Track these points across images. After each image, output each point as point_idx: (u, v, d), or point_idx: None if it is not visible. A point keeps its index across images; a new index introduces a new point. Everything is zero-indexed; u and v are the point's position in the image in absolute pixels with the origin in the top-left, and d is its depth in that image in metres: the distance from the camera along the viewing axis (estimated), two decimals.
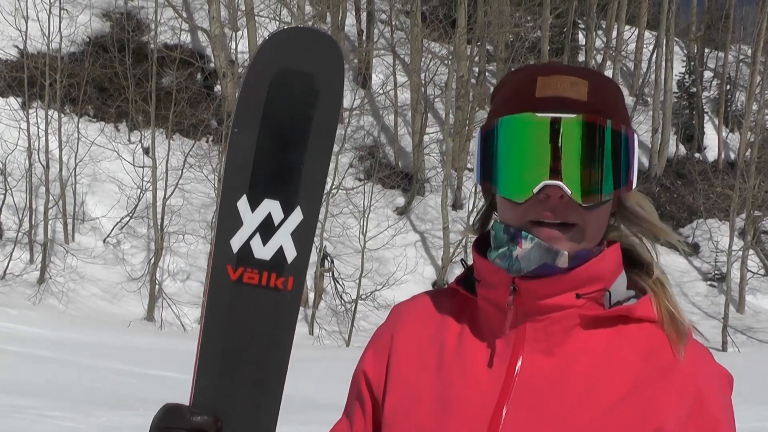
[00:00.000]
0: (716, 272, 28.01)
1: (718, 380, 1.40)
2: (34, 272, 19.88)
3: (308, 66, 1.40)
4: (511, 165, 1.33)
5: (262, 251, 1.42)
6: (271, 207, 1.42)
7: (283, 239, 1.42)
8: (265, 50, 1.40)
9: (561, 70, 1.38)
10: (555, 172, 1.30)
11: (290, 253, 1.43)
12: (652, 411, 1.33)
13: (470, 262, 1.48)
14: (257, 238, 1.42)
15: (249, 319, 1.42)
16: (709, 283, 28.06)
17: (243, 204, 1.42)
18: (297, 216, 1.43)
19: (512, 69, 1.50)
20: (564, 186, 1.30)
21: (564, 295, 1.35)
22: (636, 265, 1.46)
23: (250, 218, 1.42)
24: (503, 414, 1.35)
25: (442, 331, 1.48)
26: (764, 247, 29.41)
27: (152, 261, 20.61)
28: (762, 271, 28.56)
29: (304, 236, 1.43)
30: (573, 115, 1.31)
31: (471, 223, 1.52)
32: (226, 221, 1.43)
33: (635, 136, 1.38)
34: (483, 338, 1.43)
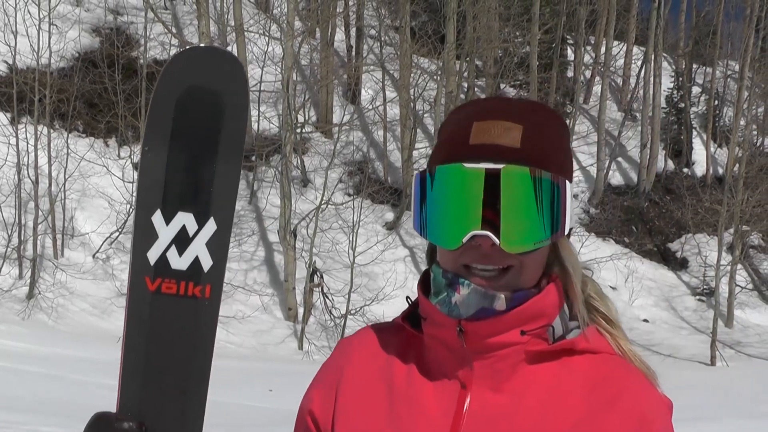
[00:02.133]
0: (705, 287, 28.10)
1: (660, 407, 1.42)
2: (23, 287, 19.82)
3: (214, 84, 1.45)
4: (442, 214, 1.35)
5: (179, 262, 1.48)
6: (185, 219, 1.47)
7: (199, 249, 1.48)
8: (172, 69, 1.45)
9: (498, 114, 1.39)
10: (485, 222, 1.32)
11: (206, 262, 1.48)
12: None
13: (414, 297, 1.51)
14: (173, 249, 1.47)
15: (169, 327, 1.47)
16: (697, 297, 28.15)
17: (157, 218, 1.47)
18: (211, 226, 1.48)
19: (459, 105, 1.51)
20: (492, 236, 1.32)
21: (509, 333, 1.38)
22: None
23: (165, 231, 1.47)
24: None
25: (390, 368, 1.49)
26: (752, 261, 29.53)
27: None
28: (750, 286, 28.66)
29: (218, 245, 1.49)
30: (502, 166, 1.32)
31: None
32: (142, 235, 1.48)
33: (567, 183, 1.38)
34: (431, 375, 1.45)
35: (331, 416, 1.51)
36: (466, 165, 1.33)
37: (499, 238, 1.32)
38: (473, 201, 1.33)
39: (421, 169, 1.45)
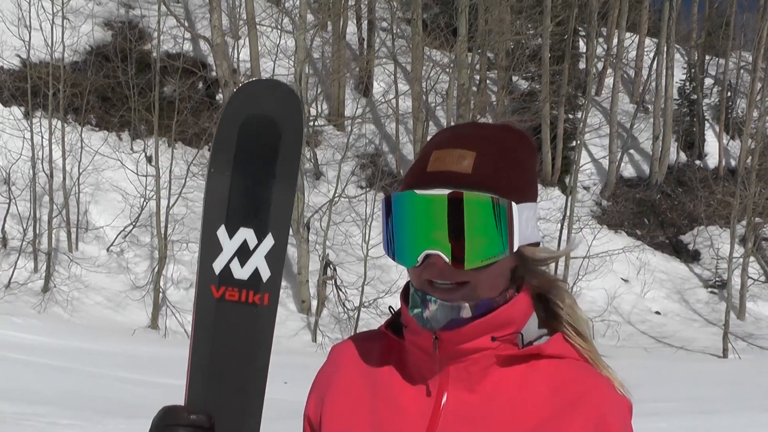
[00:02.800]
0: (717, 279, 28.08)
1: (619, 408, 1.54)
2: (38, 281, 19.97)
3: (272, 112, 1.62)
4: (401, 236, 1.50)
5: (241, 272, 1.63)
6: (246, 234, 1.63)
7: (259, 261, 1.63)
8: (236, 100, 1.62)
9: (455, 142, 1.52)
10: (436, 242, 1.47)
11: (265, 273, 1.63)
12: None
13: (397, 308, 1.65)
14: (236, 261, 1.62)
15: (231, 331, 1.62)
16: (709, 290, 28.13)
17: (222, 233, 1.62)
18: (269, 241, 1.64)
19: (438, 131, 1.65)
20: (442, 254, 1.46)
21: (480, 339, 1.52)
22: (548, 304, 1.63)
23: (229, 244, 1.62)
24: None
25: (374, 372, 1.63)
26: (765, 254, 29.49)
27: (156, 269, 20.71)
28: (762, 278, 28.63)
29: (276, 258, 1.65)
30: (447, 191, 1.46)
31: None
32: (208, 248, 1.62)
33: (513, 204, 1.50)
34: (411, 378, 1.59)
35: (320, 417, 1.67)
36: (418, 191, 1.48)
37: (446, 257, 1.46)
38: (426, 223, 1.47)
39: (385, 195, 1.57)
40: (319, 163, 25.93)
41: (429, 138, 1.73)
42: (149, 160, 23.34)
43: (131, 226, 22.07)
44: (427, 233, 1.47)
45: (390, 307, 1.72)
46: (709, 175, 30.93)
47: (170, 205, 21.34)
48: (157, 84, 22.37)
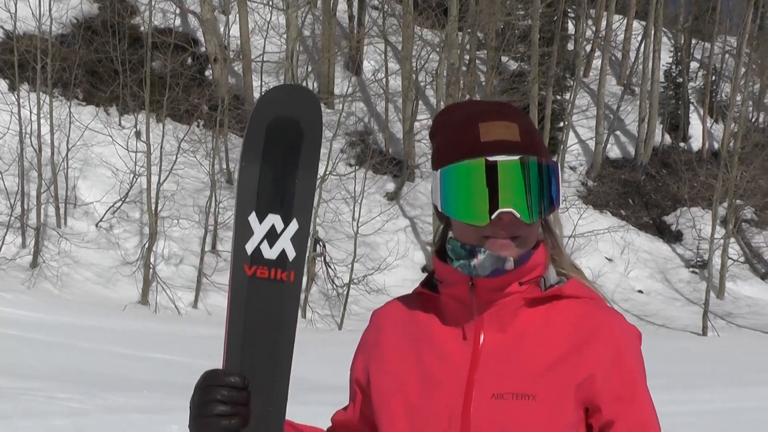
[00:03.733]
0: (698, 259, 28.40)
1: (630, 336, 1.80)
2: (27, 256, 19.94)
3: (296, 114, 1.84)
4: (471, 198, 1.72)
5: (270, 253, 1.82)
6: (274, 220, 1.83)
7: (285, 244, 1.83)
8: (264, 101, 1.85)
9: (495, 116, 1.77)
10: (506, 201, 1.70)
11: (291, 254, 1.83)
12: (584, 363, 1.73)
13: (431, 269, 1.89)
14: (265, 243, 1.82)
15: (262, 305, 1.83)
16: (691, 269, 28.46)
17: (253, 218, 1.82)
18: (294, 225, 1.84)
19: (446, 107, 1.91)
20: (515, 211, 1.70)
21: (510, 285, 1.77)
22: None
23: (259, 228, 1.82)
24: (476, 379, 1.75)
25: (415, 327, 1.87)
26: (745, 235, 29.85)
27: (146, 245, 20.79)
28: (742, 259, 28.98)
29: (300, 240, 1.84)
30: (516, 157, 1.71)
31: (433, 241, 1.95)
32: (241, 231, 1.83)
33: (558, 165, 1.79)
34: (449, 327, 1.82)
35: (368, 374, 1.91)
36: (489, 158, 1.71)
37: (519, 213, 1.70)
38: (495, 186, 1.70)
39: (441, 167, 1.78)
40: None
41: (435, 116, 1.91)
42: (138, 135, 23.28)
43: (121, 202, 22.05)
44: (499, 194, 1.70)
45: (423, 268, 1.96)
46: (692, 157, 31.17)
47: (160, 181, 21.38)
48: (148, 59, 22.33)
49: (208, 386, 1.74)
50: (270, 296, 1.82)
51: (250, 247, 1.82)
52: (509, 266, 1.73)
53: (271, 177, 1.83)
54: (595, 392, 1.73)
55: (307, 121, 1.84)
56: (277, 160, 1.83)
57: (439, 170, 1.78)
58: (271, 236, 1.82)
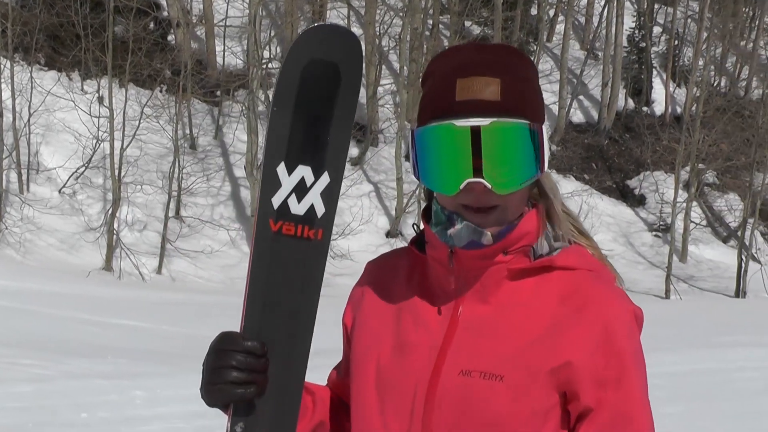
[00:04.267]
0: (661, 223, 28.64)
1: (625, 316, 1.63)
2: None
3: (333, 56, 1.68)
4: (439, 165, 1.59)
5: (297, 208, 1.70)
6: (304, 172, 1.70)
7: (314, 198, 1.71)
8: (299, 43, 1.70)
9: (478, 69, 1.60)
10: (477, 170, 1.56)
11: (320, 210, 1.71)
12: (562, 346, 1.59)
13: (422, 226, 1.76)
14: (293, 197, 1.70)
15: (287, 264, 1.71)
16: (654, 233, 28.70)
17: (281, 169, 1.70)
18: (325, 179, 1.71)
19: (441, 51, 1.75)
20: (485, 181, 1.56)
21: (492, 256, 1.65)
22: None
23: (287, 181, 1.70)
24: (448, 352, 1.64)
25: (400, 287, 1.77)
26: (707, 199, 30.13)
27: (109, 211, 20.65)
28: (704, 223, 29.29)
29: (330, 196, 1.72)
30: (488, 120, 1.55)
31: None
32: (268, 183, 1.70)
33: (542, 127, 1.62)
34: (432, 291, 1.71)
35: (352, 332, 1.82)
36: (456, 123, 1.56)
37: (489, 183, 1.56)
38: (466, 153, 1.55)
39: (414, 127, 1.64)
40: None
41: (430, 60, 1.73)
42: (101, 101, 23.06)
43: (84, 168, 21.90)
44: (468, 162, 1.55)
45: (414, 224, 1.84)
46: (655, 121, 31.33)
47: (124, 146, 21.21)
48: (111, 24, 22.06)
49: (223, 350, 1.63)
50: (295, 255, 1.70)
51: (276, 201, 1.69)
52: (487, 240, 1.62)
53: (303, 125, 1.69)
54: (574, 376, 1.59)
55: (345, 65, 1.69)
56: (311, 107, 1.69)
57: (412, 131, 1.65)
58: (300, 190, 1.70)
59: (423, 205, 1.80)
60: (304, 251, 1.71)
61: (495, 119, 1.56)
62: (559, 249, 1.68)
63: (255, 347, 1.64)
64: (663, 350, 12.88)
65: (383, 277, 1.82)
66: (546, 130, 1.63)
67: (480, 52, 1.65)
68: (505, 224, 1.63)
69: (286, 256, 1.70)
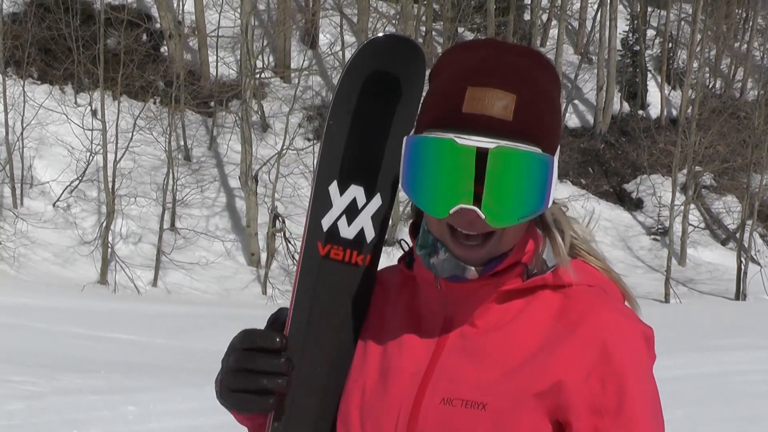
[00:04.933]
0: (659, 226, 28.61)
1: (629, 335, 1.45)
2: None
3: (397, 71, 1.57)
4: (431, 183, 1.40)
5: (347, 231, 1.60)
6: (356, 192, 1.59)
7: (365, 221, 1.60)
8: (363, 53, 1.57)
9: (492, 80, 1.41)
10: (473, 196, 1.38)
11: (369, 234, 1.61)
12: (551, 367, 1.43)
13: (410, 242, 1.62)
14: (343, 219, 1.59)
15: (332, 289, 1.60)
16: (652, 237, 28.67)
17: (333, 188, 1.59)
18: (377, 201, 1.60)
19: (457, 44, 1.55)
20: (479, 211, 1.38)
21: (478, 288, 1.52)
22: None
23: (339, 201, 1.59)
24: (430, 380, 1.51)
25: (389, 305, 1.64)
26: (704, 201, 30.10)
27: (104, 224, 20.57)
28: (702, 225, 29.24)
29: (381, 220, 1.61)
30: (493, 144, 1.37)
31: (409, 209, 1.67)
32: (319, 203, 1.59)
33: (556, 157, 1.45)
34: (420, 312, 1.58)
35: None
36: (458, 141, 1.37)
37: (484, 214, 1.38)
38: (463, 175, 1.38)
39: (412, 133, 1.48)
40: (266, 115, 25.81)
41: (441, 54, 1.54)
42: (94, 113, 22.99)
43: (78, 181, 21.82)
44: (464, 186, 1.38)
45: (401, 240, 1.66)
46: (651, 124, 31.31)
47: (117, 159, 21.14)
48: (101, 36, 22.01)
49: (249, 351, 1.51)
50: (341, 280, 1.59)
51: (326, 223, 1.58)
52: (471, 276, 1.47)
53: (359, 141, 1.57)
54: (565, 402, 1.41)
55: (408, 79, 1.56)
56: (369, 123, 1.56)
57: (405, 136, 1.46)
58: (351, 211, 1.58)
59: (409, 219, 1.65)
60: (352, 277, 1.60)
61: (503, 142, 1.37)
62: (554, 266, 1.51)
63: (281, 344, 1.53)
64: (662, 354, 12.69)
65: (375, 295, 1.68)
66: (556, 163, 1.44)
67: (498, 55, 1.45)
68: (496, 255, 1.47)
69: (333, 281, 1.60)
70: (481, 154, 1.37)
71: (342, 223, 1.59)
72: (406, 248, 1.63)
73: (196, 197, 22.79)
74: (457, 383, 1.48)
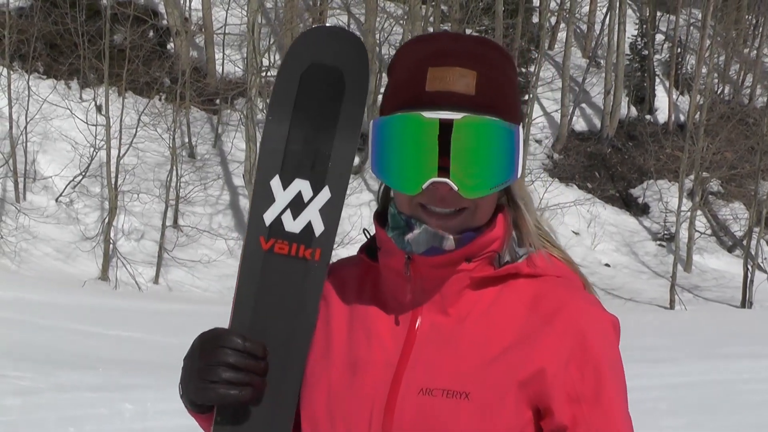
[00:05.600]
0: (665, 232, 28.49)
1: (601, 324, 1.49)
2: None
3: (337, 62, 1.55)
4: (401, 161, 1.43)
5: (292, 225, 1.56)
6: (301, 186, 1.56)
7: (312, 215, 1.56)
8: (298, 46, 1.56)
9: (452, 59, 1.45)
10: (443, 169, 1.40)
11: (318, 228, 1.56)
12: (532, 356, 1.45)
13: (373, 232, 1.60)
14: (288, 213, 1.56)
15: (278, 285, 1.56)
16: (658, 243, 28.55)
17: (276, 183, 1.56)
18: (325, 194, 1.57)
19: (413, 37, 1.58)
20: (451, 183, 1.41)
21: (453, 264, 1.50)
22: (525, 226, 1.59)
23: (282, 195, 1.56)
24: (405, 369, 1.49)
25: (349, 298, 1.61)
26: (711, 207, 29.98)
27: (106, 220, 20.50)
28: (709, 232, 29.12)
29: (331, 213, 1.58)
30: (460, 116, 1.40)
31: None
32: (260, 197, 1.57)
33: (520, 128, 1.47)
34: (386, 302, 1.56)
35: None
36: (425, 114, 1.41)
37: (456, 185, 1.41)
38: (432, 149, 1.40)
39: (378, 116, 1.51)
40: None
41: (389, 66, 1.55)
42: (99, 109, 22.97)
43: (81, 176, 21.78)
44: (434, 159, 1.41)
45: (365, 230, 1.67)
46: (658, 129, 31.22)
47: (121, 155, 21.08)
48: (107, 32, 21.97)
49: (219, 347, 1.46)
50: (288, 276, 1.56)
51: (269, 217, 1.56)
52: (449, 245, 1.46)
53: (302, 135, 1.56)
54: (546, 390, 1.44)
55: (350, 71, 1.55)
56: (312, 116, 1.55)
57: (372, 120, 1.49)
58: (296, 205, 1.56)
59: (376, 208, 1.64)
60: (299, 272, 1.56)
61: (468, 114, 1.41)
62: (524, 255, 1.53)
63: (255, 348, 1.47)
64: (666, 361, 12.69)
65: (333, 291, 1.64)
66: (521, 134, 1.49)
67: (456, 42, 1.50)
68: (470, 229, 1.48)
69: (278, 278, 1.55)
70: (448, 128, 1.40)
71: (287, 217, 1.56)
72: (368, 237, 1.63)
73: (200, 195, 22.73)
74: (434, 372, 1.47)
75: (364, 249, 1.63)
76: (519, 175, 1.47)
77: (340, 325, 1.59)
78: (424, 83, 1.44)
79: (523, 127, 1.45)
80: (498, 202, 1.53)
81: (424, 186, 1.41)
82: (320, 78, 1.55)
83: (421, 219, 1.47)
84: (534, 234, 1.55)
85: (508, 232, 1.54)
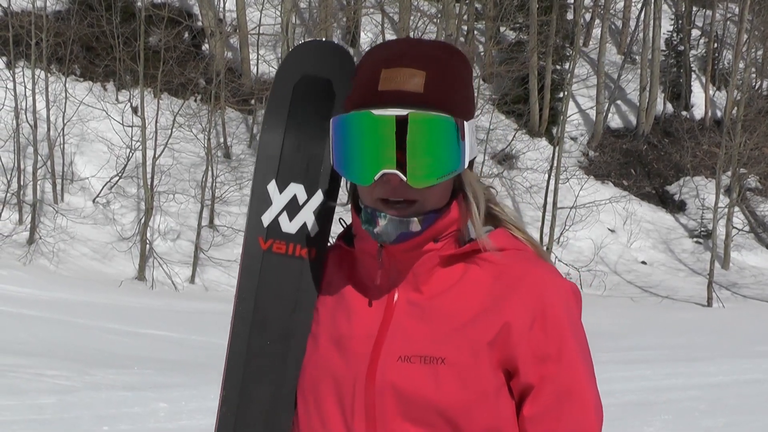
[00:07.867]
0: (702, 229, 28.21)
1: (562, 288, 1.63)
2: (23, 233, 19.86)
3: (327, 73, 1.68)
4: (355, 155, 1.55)
5: (289, 226, 1.69)
6: (296, 190, 1.69)
7: (307, 216, 1.69)
8: (290, 60, 1.68)
9: (403, 61, 1.57)
10: (390, 161, 1.53)
11: (313, 228, 1.70)
12: (500, 315, 1.58)
13: (349, 221, 1.72)
14: (284, 215, 1.69)
15: (279, 281, 1.68)
16: (695, 240, 28.27)
17: (272, 187, 1.68)
18: (318, 197, 1.70)
19: (371, 48, 1.68)
20: (399, 173, 1.53)
21: (422, 245, 1.62)
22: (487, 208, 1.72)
23: (279, 199, 1.68)
24: (384, 339, 1.61)
25: (331, 281, 1.73)
26: (749, 204, 29.64)
27: (142, 221, 20.65)
28: (747, 228, 28.79)
29: (325, 214, 1.70)
30: (407, 111, 1.52)
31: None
32: (258, 201, 1.69)
33: (465, 123, 1.58)
34: (363, 284, 1.68)
35: None
36: (375, 112, 1.53)
37: (405, 176, 1.53)
38: (383, 143, 1.52)
39: (337, 115, 1.60)
40: None
41: (354, 71, 1.67)
42: (135, 110, 23.14)
43: (117, 177, 21.95)
44: (384, 153, 1.52)
45: (341, 219, 1.79)
46: (695, 125, 30.93)
47: (156, 155, 21.22)
48: (142, 33, 22.13)
49: None
50: (286, 274, 1.67)
51: (267, 219, 1.68)
52: (414, 228, 1.58)
53: (296, 142, 1.68)
54: (512, 350, 1.57)
55: (339, 81, 1.68)
56: (304, 124, 1.68)
57: (331, 119, 1.60)
58: (292, 208, 1.68)
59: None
60: (296, 271, 1.67)
61: (414, 110, 1.53)
62: (486, 232, 1.66)
63: None
64: (704, 360, 12.55)
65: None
66: (472, 127, 1.61)
67: (411, 46, 1.62)
68: (426, 211, 1.61)
69: (276, 276, 1.67)
70: (401, 124, 1.52)
71: (283, 219, 1.68)
72: (345, 225, 1.75)
73: (235, 194, 22.82)
74: (412, 341, 1.59)
75: (341, 237, 1.74)
76: (465, 166, 1.58)
77: (324, 307, 1.70)
78: (377, 84, 1.56)
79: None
80: (454, 188, 1.64)
81: (376, 177, 1.53)
82: (311, 88, 1.67)
83: (381, 210, 1.57)
84: (477, 220, 1.65)
85: (463, 215, 1.65)
